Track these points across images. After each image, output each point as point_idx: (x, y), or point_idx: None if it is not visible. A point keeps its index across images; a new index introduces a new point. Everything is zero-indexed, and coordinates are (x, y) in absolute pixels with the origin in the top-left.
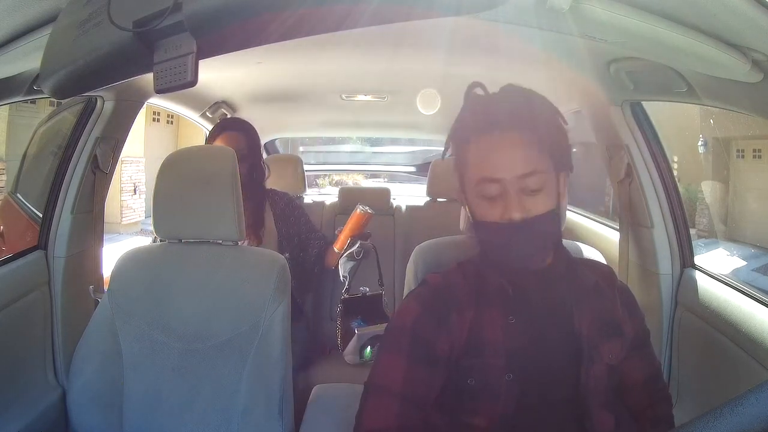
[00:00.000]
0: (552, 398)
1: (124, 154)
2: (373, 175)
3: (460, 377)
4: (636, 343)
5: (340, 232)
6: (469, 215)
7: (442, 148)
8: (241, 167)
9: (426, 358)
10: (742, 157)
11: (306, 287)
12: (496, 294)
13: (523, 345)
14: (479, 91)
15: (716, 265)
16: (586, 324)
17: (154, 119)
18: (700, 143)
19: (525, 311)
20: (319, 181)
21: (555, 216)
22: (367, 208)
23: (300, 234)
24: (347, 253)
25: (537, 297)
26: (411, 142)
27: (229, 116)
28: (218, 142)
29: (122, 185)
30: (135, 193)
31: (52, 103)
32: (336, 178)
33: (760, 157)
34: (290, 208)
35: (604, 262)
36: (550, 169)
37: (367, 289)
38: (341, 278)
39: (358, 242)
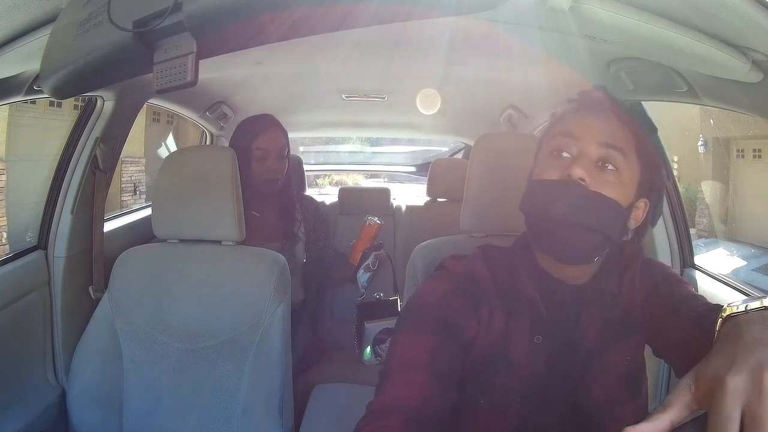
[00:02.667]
0: (559, 415)
1: (125, 154)
2: (373, 175)
3: (472, 395)
4: (666, 309)
5: (353, 245)
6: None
7: (443, 148)
8: (282, 166)
9: (453, 337)
10: (742, 157)
11: (322, 292)
12: (527, 307)
13: (544, 367)
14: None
15: (716, 265)
16: (593, 333)
17: (154, 119)
18: (699, 143)
19: (552, 330)
20: (319, 181)
21: (618, 211)
22: (375, 219)
23: (318, 241)
24: (363, 265)
25: (566, 316)
26: (411, 142)
27: (229, 116)
28: (260, 142)
29: (122, 185)
30: (135, 193)
31: (52, 104)
32: (336, 178)
33: (760, 156)
34: (317, 215)
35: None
36: (635, 166)
37: (381, 294)
38: (360, 290)
39: (372, 254)
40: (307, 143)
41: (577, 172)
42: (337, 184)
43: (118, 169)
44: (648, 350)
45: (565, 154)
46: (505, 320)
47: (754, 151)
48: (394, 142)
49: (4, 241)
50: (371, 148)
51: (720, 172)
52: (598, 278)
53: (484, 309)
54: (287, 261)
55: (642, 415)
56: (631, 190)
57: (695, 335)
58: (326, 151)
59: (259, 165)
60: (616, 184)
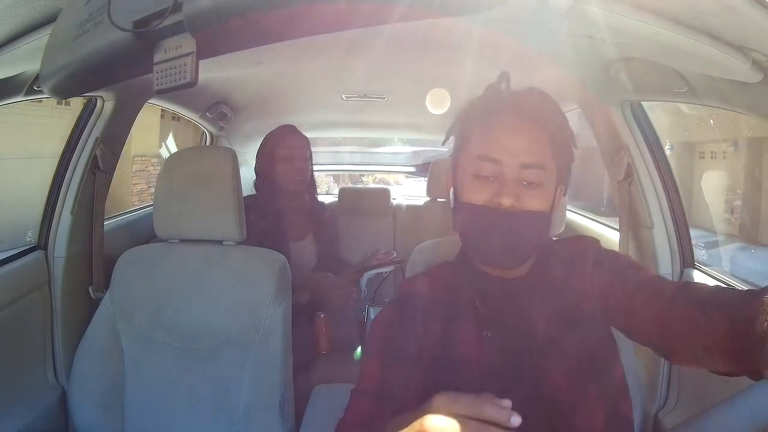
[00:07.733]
0: (525, 401)
1: (155, 152)
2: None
3: (434, 392)
4: (631, 295)
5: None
6: (452, 199)
7: (443, 149)
8: (306, 167)
9: (398, 357)
10: (703, 158)
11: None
12: (468, 308)
13: (497, 360)
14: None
15: None
16: (545, 319)
17: (175, 118)
18: (666, 147)
19: (499, 324)
20: (364, 178)
21: (545, 219)
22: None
23: (331, 239)
24: (372, 274)
25: (511, 309)
26: (413, 142)
27: (229, 116)
28: (285, 143)
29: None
30: None
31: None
32: (379, 176)
33: (714, 158)
34: (330, 220)
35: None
36: (552, 172)
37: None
38: (363, 289)
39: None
40: (317, 143)
41: (506, 201)
42: (380, 182)
43: (150, 166)
44: (645, 354)
45: (488, 175)
46: (444, 325)
47: (712, 153)
48: (399, 142)
49: None
50: (377, 149)
51: (685, 171)
52: (538, 267)
53: (420, 321)
54: (310, 257)
55: (606, 397)
56: (552, 190)
57: (670, 313)
58: (335, 152)
59: (286, 165)
60: (540, 195)
